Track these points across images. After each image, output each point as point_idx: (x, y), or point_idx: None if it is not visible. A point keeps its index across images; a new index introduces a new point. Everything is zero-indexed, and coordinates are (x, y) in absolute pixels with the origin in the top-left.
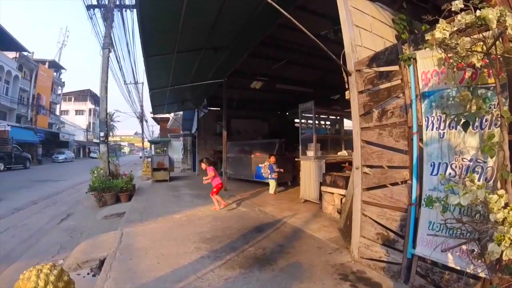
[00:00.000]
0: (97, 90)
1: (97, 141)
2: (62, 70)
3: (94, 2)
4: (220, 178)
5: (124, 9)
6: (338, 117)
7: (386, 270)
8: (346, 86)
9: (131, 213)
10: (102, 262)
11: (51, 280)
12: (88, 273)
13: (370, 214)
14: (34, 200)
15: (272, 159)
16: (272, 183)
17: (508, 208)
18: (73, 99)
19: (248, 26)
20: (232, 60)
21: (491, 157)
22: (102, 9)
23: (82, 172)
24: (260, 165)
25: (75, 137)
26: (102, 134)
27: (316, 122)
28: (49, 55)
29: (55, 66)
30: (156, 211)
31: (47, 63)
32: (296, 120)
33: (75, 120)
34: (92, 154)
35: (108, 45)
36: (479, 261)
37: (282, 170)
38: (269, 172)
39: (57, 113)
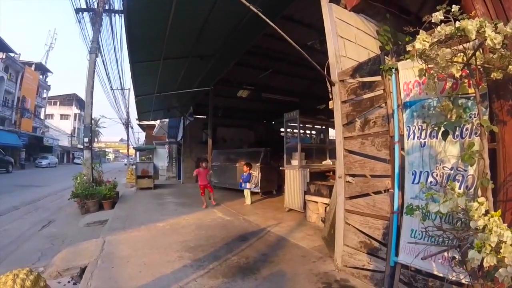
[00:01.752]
0: (83, 95)
1: (82, 146)
2: (49, 73)
3: (83, 6)
4: (204, 179)
5: (113, 14)
6: (323, 127)
7: (370, 278)
8: (330, 96)
9: (114, 221)
10: (83, 270)
11: (27, 285)
12: (69, 281)
13: (353, 223)
14: (15, 205)
15: (245, 168)
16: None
17: (488, 215)
18: (58, 103)
19: (235, 35)
20: (218, 68)
21: (471, 166)
22: (91, 13)
23: (65, 178)
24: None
25: (59, 142)
26: (86, 139)
27: (301, 131)
28: (36, 57)
29: (42, 69)
30: (139, 219)
31: (33, 66)
32: (282, 129)
33: (60, 124)
34: (76, 160)
35: (95, 49)
36: (461, 268)
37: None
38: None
39: (42, 117)
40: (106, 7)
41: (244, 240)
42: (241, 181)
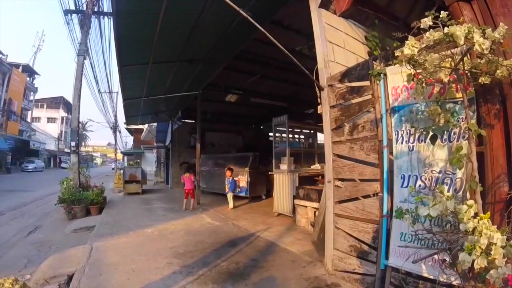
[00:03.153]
0: (70, 98)
1: (69, 151)
2: (36, 76)
3: (72, 7)
4: (191, 183)
5: (102, 16)
6: (312, 131)
7: (361, 282)
8: (319, 101)
9: (101, 227)
10: (70, 278)
11: None
12: None
13: (343, 227)
14: (1, 210)
15: (228, 173)
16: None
17: (477, 217)
18: (45, 106)
19: (224, 40)
20: (207, 72)
21: (460, 169)
22: (80, 15)
23: (52, 183)
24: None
25: (46, 145)
26: (73, 143)
27: (290, 136)
28: (23, 59)
29: (29, 71)
30: (127, 225)
31: (20, 67)
32: (271, 134)
33: (47, 128)
34: (63, 164)
35: (83, 52)
36: (451, 270)
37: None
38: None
39: (28, 120)
40: (95, 9)
41: (233, 246)
42: (227, 187)
